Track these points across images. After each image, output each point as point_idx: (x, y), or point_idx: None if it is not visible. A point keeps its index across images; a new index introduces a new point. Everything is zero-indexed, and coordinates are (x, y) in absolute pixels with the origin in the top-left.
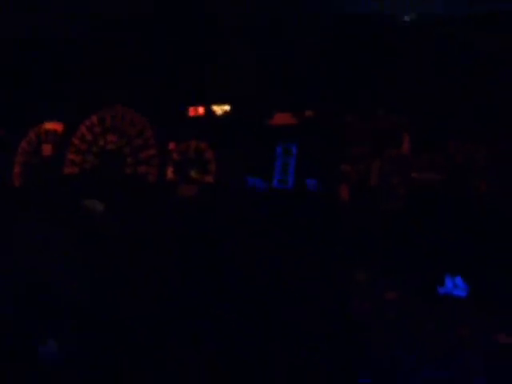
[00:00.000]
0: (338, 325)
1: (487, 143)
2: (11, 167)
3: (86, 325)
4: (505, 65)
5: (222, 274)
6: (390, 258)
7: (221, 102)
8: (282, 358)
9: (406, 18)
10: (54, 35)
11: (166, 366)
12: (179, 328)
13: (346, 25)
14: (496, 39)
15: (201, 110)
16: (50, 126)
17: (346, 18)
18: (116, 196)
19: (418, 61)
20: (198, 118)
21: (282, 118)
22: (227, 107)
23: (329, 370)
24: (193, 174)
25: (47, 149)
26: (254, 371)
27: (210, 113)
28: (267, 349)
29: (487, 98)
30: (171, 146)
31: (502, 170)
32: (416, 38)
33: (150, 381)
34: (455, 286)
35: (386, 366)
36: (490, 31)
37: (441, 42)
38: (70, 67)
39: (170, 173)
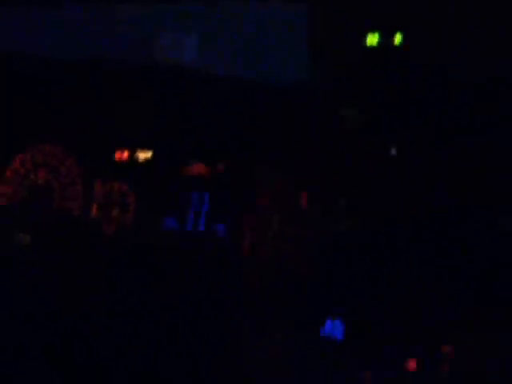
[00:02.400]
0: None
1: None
2: None
3: None
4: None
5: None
6: (278, 303)
7: (145, 148)
8: None
9: None
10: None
11: None
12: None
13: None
14: None
15: (125, 154)
16: None
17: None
18: (42, 229)
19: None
20: (122, 162)
21: (197, 169)
22: (149, 154)
23: None
24: (114, 213)
25: None
26: None
27: (133, 157)
28: None
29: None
30: (97, 185)
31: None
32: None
33: None
34: (334, 327)
35: None
36: None
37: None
38: (9, 101)
39: (94, 210)
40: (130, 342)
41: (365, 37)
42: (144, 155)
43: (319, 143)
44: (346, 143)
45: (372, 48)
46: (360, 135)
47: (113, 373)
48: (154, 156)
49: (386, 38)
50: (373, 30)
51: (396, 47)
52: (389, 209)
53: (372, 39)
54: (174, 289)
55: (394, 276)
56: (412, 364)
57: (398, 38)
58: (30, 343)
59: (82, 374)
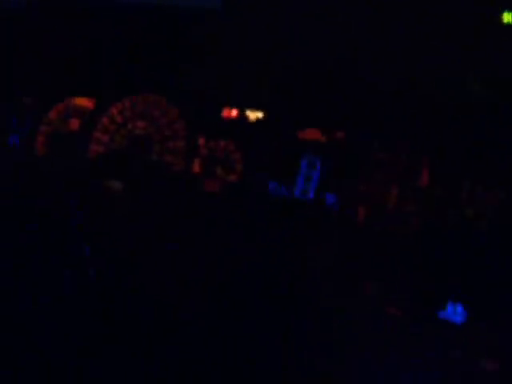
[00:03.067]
0: (338, 332)
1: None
2: (35, 136)
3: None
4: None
5: (231, 270)
6: (397, 278)
7: (255, 108)
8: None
9: None
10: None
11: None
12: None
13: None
14: None
15: (234, 112)
16: (80, 101)
17: None
18: (139, 181)
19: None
20: (230, 120)
21: (311, 134)
22: (260, 114)
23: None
24: (218, 171)
25: (74, 123)
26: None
27: (242, 116)
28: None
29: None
30: (200, 141)
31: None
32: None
33: None
34: (455, 312)
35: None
36: None
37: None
38: (113, 48)
39: (196, 166)
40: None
41: None
42: (255, 115)
43: (446, 118)
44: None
45: None
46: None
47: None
48: (265, 117)
49: None
50: None
51: None
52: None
53: None
54: (277, 256)
55: None
56: None
57: None
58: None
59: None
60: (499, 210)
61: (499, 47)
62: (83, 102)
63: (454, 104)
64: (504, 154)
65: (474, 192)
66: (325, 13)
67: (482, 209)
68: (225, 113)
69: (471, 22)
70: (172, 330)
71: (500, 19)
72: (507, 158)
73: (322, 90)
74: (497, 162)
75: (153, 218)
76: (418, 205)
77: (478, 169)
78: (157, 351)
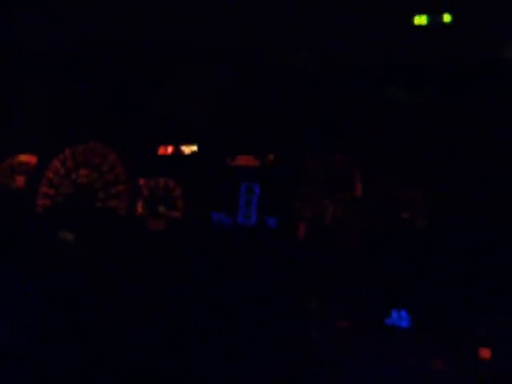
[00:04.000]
0: (292, 350)
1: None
2: None
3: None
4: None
5: (185, 305)
6: (342, 291)
7: (189, 143)
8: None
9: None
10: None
11: None
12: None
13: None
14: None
15: (170, 149)
16: (23, 157)
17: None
18: (87, 228)
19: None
20: (166, 157)
21: (245, 160)
22: (194, 147)
23: None
24: (161, 209)
25: (20, 180)
26: None
27: (178, 152)
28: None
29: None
30: (141, 182)
31: (440, 210)
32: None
33: None
34: (400, 317)
35: None
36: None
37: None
38: (46, 100)
39: (139, 207)
40: (190, 341)
41: None
42: (189, 149)
43: (374, 126)
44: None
45: None
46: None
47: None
48: (199, 149)
49: None
50: None
51: None
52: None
53: None
54: (229, 284)
55: (462, 264)
56: (485, 353)
57: None
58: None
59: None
60: (435, 208)
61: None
62: (26, 158)
63: (378, 110)
64: (431, 154)
65: (407, 194)
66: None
67: (417, 209)
68: (161, 150)
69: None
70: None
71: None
72: (434, 156)
73: (248, 117)
74: (424, 161)
75: (109, 266)
76: (355, 215)
77: (408, 171)
78: None
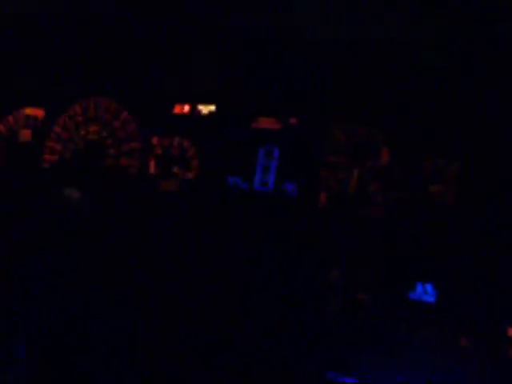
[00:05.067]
0: (311, 322)
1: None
2: None
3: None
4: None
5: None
6: (363, 263)
7: (207, 102)
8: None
9: None
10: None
11: None
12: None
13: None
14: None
15: (186, 108)
16: (30, 111)
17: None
18: (96, 187)
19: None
20: (182, 116)
21: (266, 123)
22: (213, 107)
23: (299, 367)
24: (175, 169)
25: (26, 134)
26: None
27: (195, 111)
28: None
29: (462, 117)
30: (154, 140)
31: (473, 184)
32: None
33: None
34: (425, 292)
35: (354, 364)
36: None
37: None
38: (59, 53)
39: (152, 167)
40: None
41: None
42: (207, 109)
43: (401, 92)
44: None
45: None
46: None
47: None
48: (218, 110)
49: None
50: None
51: None
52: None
53: None
54: (242, 251)
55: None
56: None
57: None
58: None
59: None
60: (464, 182)
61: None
62: (33, 111)
63: (408, 77)
64: (464, 126)
65: (436, 166)
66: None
67: (446, 183)
68: (177, 109)
69: None
70: None
71: None
72: (467, 129)
73: (272, 77)
74: (456, 133)
75: (117, 227)
76: (380, 185)
77: (438, 142)
78: None
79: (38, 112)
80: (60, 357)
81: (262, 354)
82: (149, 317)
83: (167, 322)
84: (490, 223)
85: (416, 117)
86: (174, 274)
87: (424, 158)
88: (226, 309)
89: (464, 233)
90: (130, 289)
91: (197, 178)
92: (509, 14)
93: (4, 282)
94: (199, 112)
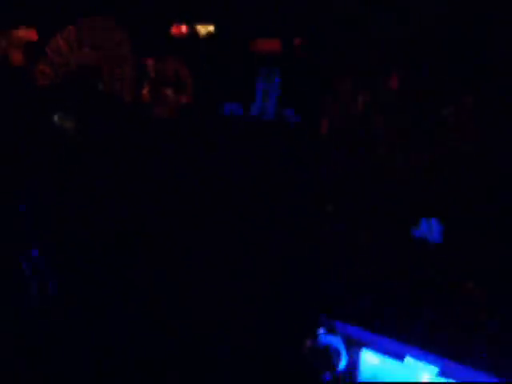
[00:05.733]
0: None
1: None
2: None
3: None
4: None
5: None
6: (365, 197)
7: (205, 22)
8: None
9: None
10: None
11: None
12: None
13: None
14: None
15: (184, 28)
16: (22, 33)
17: None
18: (88, 112)
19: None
20: (179, 37)
21: (267, 44)
22: (211, 28)
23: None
24: (168, 93)
25: (18, 56)
26: None
27: (193, 32)
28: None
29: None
30: (149, 62)
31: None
32: None
33: None
34: (430, 229)
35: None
36: None
37: None
38: None
39: (145, 91)
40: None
41: None
42: (206, 30)
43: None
44: None
45: None
46: None
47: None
48: (216, 30)
49: None
50: None
51: None
52: None
53: None
54: (239, 182)
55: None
56: None
57: None
58: None
59: None
60: (480, 111)
61: None
62: (25, 33)
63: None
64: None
65: (451, 91)
66: None
67: (460, 109)
68: (174, 29)
69: None
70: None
71: None
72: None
73: None
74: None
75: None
76: (389, 111)
77: (453, 65)
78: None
79: (31, 34)
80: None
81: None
82: (142, 248)
83: (158, 256)
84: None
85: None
86: (166, 207)
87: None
88: (220, 245)
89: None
90: (123, 216)
91: (191, 104)
92: None
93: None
94: (197, 33)
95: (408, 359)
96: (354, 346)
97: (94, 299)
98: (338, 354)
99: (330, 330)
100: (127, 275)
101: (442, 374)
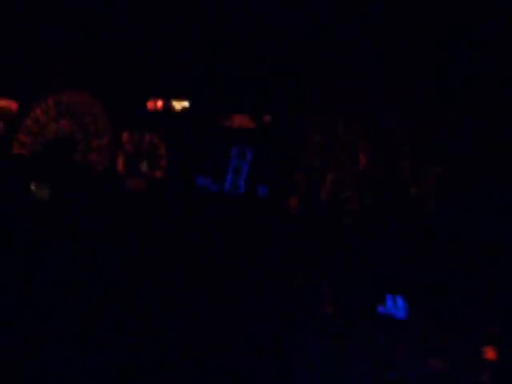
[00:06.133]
0: (274, 327)
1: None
2: None
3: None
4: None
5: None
6: (331, 272)
7: (180, 98)
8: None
9: None
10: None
11: None
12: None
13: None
14: None
15: (159, 103)
16: (3, 103)
17: None
18: (63, 183)
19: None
20: (155, 112)
21: (239, 120)
22: (186, 103)
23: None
24: (143, 167)
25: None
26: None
27: (168, 107)
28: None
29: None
30: (125, 136)
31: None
32: None
33: None
34: (396, 306)
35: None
36: None
37: None
38: (33, 45)
39: (120, 164)
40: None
41: None
42: (180, 105)
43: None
44: None
45: None
46: None
47: None
48: (191, 106)
49: None
50: None
51: None
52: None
53: None
54: (211, 253)
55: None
56: (490, 353)
57: None
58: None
59: None
60: (446, 185)
61: None
62: (7, 104)
63: (386, 78)
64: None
65: (417, 168)
66: None
67: (427, 186)
68: (150, 105)
69: None
70: None
71: None
72: (448, 131)
73: (246, 72)
74: (437, 135)
75: (83, 224)
76: (357, 189)
77: (417, 144)
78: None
79: (12, 104)
80: None
81: None
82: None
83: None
84: (468, 234)
85: (396, 119)
86: (139, 274)
87: (405, 159)
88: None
89: (442, 242)
90: (95, 284)
91: (165, 178)
92: None
93: None
94: (172, 108)
95: None
96: None
97: None
98: None
99: None
100: None
101: None
